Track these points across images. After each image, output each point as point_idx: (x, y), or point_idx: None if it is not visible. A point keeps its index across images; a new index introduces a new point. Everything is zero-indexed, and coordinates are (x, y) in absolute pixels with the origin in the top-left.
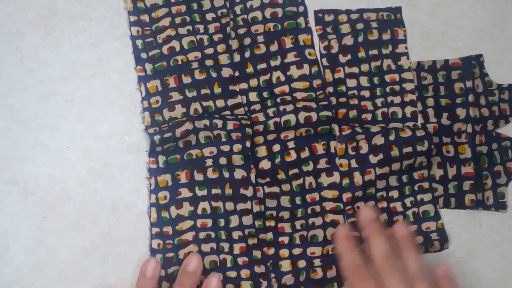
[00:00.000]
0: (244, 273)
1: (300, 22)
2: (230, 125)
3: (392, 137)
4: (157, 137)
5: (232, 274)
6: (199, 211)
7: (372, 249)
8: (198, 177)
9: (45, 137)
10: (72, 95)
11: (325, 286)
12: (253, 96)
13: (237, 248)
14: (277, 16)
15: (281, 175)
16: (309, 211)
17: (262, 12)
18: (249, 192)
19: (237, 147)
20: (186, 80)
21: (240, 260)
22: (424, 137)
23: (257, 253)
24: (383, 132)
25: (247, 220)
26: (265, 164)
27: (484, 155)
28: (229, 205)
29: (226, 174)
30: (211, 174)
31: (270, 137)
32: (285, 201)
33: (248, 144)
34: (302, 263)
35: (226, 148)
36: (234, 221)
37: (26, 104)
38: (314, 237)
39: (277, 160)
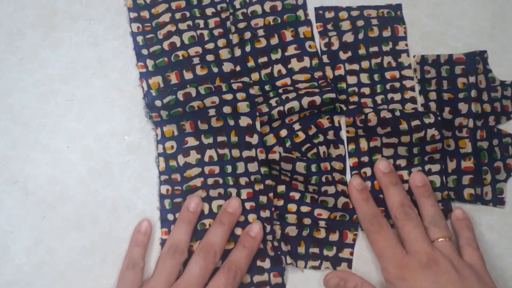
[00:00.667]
0: (252, 217)
1: (299, 14)
2: (234, 86)
3: (397, 114)
4: (158, 102)
5: (240, 218)
6: (206, 159)
7: (388, 199)
8: (203, 126)
9: (45, 137)
10: (72, 95)
11: (324, 247)
12: (255, 90)
13: (244, 194)
14: (276, 10)
15: (296, 155)
16: (323, 179)
17: (261, 5)
18: (254, 140)
19: (241, 95)
20: (188, 75)
21: (248, 205)
22: (428, 112)
23: (263, 199)
24: (389, 109)
25: (253, 167)
26: (277, 151)
27: (484, 151)
28: (235, 152)
29: (231, 122)
30: (215, 123)
31: (275, 124)
32: (300, 167)
33: (252, 91)
34: (307, 221)
35: (229, 97)
36: (241, 167)
37: (26, 104)
38: (324, 202)
39: (288, 144)
